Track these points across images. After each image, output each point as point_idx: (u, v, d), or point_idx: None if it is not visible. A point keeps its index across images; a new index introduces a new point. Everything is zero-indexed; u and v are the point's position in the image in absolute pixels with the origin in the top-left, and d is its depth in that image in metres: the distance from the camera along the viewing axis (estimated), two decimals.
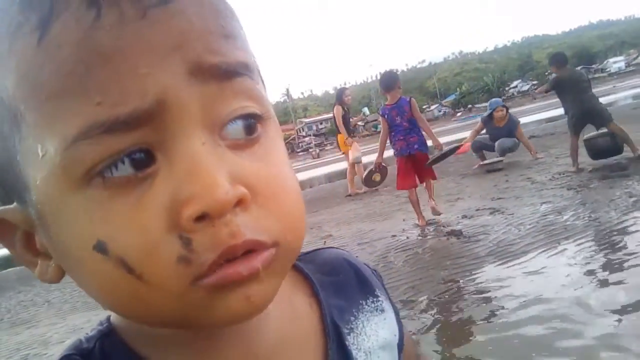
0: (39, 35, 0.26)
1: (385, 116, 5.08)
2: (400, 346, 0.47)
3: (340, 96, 8.20)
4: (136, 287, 0.28)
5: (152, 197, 0.27)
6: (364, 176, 6.33)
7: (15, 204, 0.32)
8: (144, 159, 0.27)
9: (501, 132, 7.88)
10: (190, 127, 0.28)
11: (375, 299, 0.46)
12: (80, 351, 0.35)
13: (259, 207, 0.29)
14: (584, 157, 6.01)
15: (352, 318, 0.43)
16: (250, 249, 0.28)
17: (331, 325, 0.41)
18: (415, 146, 4.92)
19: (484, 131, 8.25)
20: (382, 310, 0.46)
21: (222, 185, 0.27)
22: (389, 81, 5.16)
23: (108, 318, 0.37)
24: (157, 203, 0.27)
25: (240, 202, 0.27)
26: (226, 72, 0.29)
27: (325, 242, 5.18)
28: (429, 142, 5.11)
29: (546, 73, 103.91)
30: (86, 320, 4.40)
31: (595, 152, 6.08)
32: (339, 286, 0.44)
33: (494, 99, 8.98)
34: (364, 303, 0.45)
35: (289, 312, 0.40)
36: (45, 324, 4.64)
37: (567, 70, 6.57)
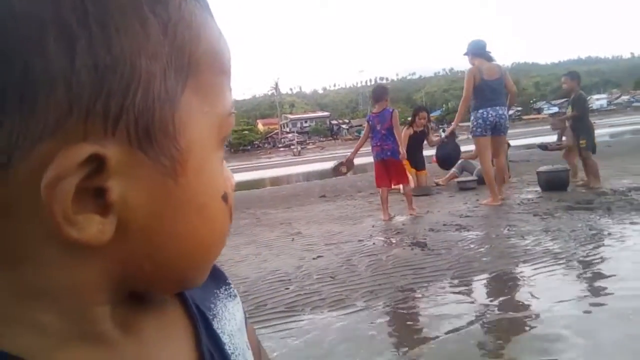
0: (219, 31, 0.34)
1: (369, 122, 5.88)
2: (245, 324, 0.50)
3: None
4: (227, 229, 0.37)
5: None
6: (333, 166, 6.86)
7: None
8: None
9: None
10: None
11: (227, 287, 0.49)
12: None
13: None
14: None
15: (212, 305, 0.45)
16: None
17: (197, 312, 0.42)
18: (388, 153, 5.70)
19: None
20: (235, 296, 0.49)
21: None
22: (380, 94, 5.97)
23: None
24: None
25: None
26: None
27: (293, 239, 5.23)
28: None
29: (531, 101, 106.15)
30: None
31: (552, 184, 6.65)
32: None
33: None
34: (218, 292, 0.47)
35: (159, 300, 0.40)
36: None
37: (580, 90, 6.98)
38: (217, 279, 0.49)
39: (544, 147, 8.86)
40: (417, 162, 8.17)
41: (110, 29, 0.27)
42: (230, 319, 0.46)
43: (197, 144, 0.32)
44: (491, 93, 6.09)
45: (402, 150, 5.78)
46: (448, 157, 7.56)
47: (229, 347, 0.43)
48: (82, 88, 0.26)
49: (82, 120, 0.26)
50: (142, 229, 0.30)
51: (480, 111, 6.14)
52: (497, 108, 6.13)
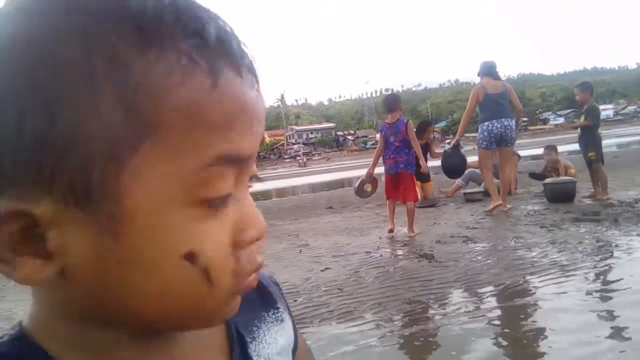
0: (212, 81, 0.32)
1: (383, 132, 5.55)
2: (294, 349, 0.54)
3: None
4: (205, 292, 0.34)
5: (227, 219, 0.35)
6: (356, 186, 6.45)
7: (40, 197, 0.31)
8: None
9: None
10: (248, 175, 0.38)
11: (275, 311, 0.52)
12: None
13: None
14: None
15: (255, 328, 0.49)
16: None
17: (236, 335, 0.46)
18: (402, 165, 5.38)
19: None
20: (282, 321, 0.52)
21: (262, 218, 0.38)
22: (392, 103, 5.62)
23: (19, 323, 0.38)
24: (228, 226, 0.35)
25: None
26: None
27: (301, 250, 5.26)
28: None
29: (537, 111, 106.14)
30: None
31: (558, 196, 6.68)
32: (243, 301, 0.46)
33: None
34: (265, 315, 0.51)
35: None
36: (11, 300, 4.62)
37: (594, 101, 7.08)
38: (267, 302, 0.52)
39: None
40: (422, 174, 8.19)
41: (56, 100, 0.29)
42: (270, 343, 0.49)
43: (148, 204, 0.31)
44: (495, 106, 6.42)
45: (423, 162, 5.80)
46: (455, 167, 7.59)
47: None
48: (22, 154, 0.29)
49: (12, 182, 0.30)
50: (90, 277, 0.32)
51: (486, 124, 6.44)
52: (503, 120, 6.39)
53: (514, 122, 6.54)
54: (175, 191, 0.32)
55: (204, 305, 0.35)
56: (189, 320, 0.37)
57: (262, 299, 0.51)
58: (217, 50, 0.33)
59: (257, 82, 0.36)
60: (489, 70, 6.63)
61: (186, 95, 0.31)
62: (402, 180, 5.42)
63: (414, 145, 5.40)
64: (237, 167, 0.35)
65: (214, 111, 0.32)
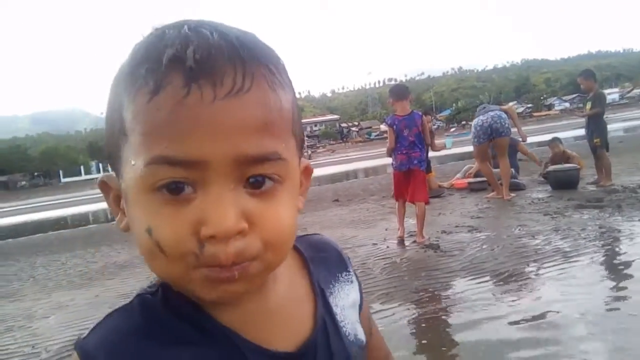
0: (149, 97, 0.41)
1: (394, 127, 4.99)
2: (361, 307, 0.66)
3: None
4: (162, 258, 0.43)
5: (186, 213, 0.42)
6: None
7: (114, 175, 0.50)
8: (188, 188, 0.42)
9: None
10: (223, 179, 0.42)
11: (347, 273, 0.64)
12: (147, 292, 0.52)
13: (255, 234, 0.44)
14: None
15: (331, 285, 0.61)
16: (234, 264, 0.43)
17: (318, 288, 0.58)
18: (415, 162, 4.93)
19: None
20: (352, 282, 0.64)
21: (230, 219, 0.42)
22: (401, 91, 5.22)
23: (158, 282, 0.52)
24: (188, 217, 0.42)
25: (240, 232, 0.42)
26: (260, 158, 0.43)
27: None
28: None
29: (542, 97, 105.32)
30: (70, 298, 4.52)
31: (562, 183, 6.79)
32: (324, 260, 0.63)
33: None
34: (339, 275, 0.63)
35: (289, 279, 0.57)
36: (31, 299, 4.75)
37: (599, 88, 7.26)
38: (342, 264, 0.65)
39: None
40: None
41: (114, 104, 0.46)
42: (343, 297, 0.61)
43: (127, 186, 0.45)
44: (479, 112, 7.16)
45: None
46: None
47: (340, 316, 0.59)
48: (108, 140, 0.48)
49: (110, 161, 0.49)
50: (133, 237, 0.47)
51: (475, 121, 7.04)
52: (489, 112, 6.83)
53: (503, 113, 6.82)
54: (138, 180, 0.43)
55: (171, 270, 0.44)
56: (179, 286, 0.46)
57: (337, 263, 0.64)
58: (171, 70, 0.40)
59: (233, 92, 0.41)
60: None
61: (134, 109, 0.42)
62: (413, 178, 4.94)
63: (430, 139, 5.22)
64: (182, 168, 0.41)
65: (150, 121, 0.41)
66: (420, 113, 5.12)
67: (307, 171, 0.58)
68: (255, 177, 0.44)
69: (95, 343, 0.47)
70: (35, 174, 79.03)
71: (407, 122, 4.93)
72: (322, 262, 0.62)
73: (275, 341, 0.52)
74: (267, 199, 0.45)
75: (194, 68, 0.40)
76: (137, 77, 0.42)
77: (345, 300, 0.61)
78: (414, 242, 4.84)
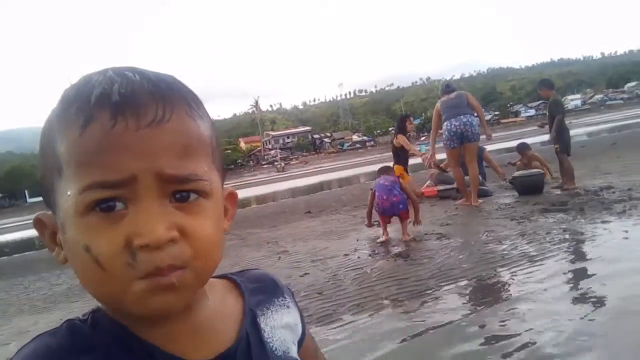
0: (80, 132, 0.46)
1: (372, 190, 5.45)
2: (301, 340, 0.69)
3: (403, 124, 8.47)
4: (99, 274, 0.46)
5: (120, 228, 0.46)
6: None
7: (50, 212, 0.52)
8: (120, 204, 0.47)
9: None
10: (151, 195, 0.47)
11: (283, 299, 0.68)
12: (77, 319, 0.54)
13: (185, 243, 0.48)
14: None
15: (265, 308, 0.65)
16: (171, 267, 0.47)
17: (249, 310, 0.62)
18: (400, 206, 5.20)
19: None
20: (288, 307, 0.68)
21: (159, 231, 0.46)
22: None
23: (97, 306, 0.55)
24: (122, 231, 0.46)
25: (171, 241, 0.47)
26: (180, 179, 0.48)
27: (280, 257, 5.32)
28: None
29: (508, 105, 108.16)
30: (33, 322, 4.37)
31: (527, 188, 6.92)
32: (261, 289, 0.67)
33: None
34: (275, 300, 0.67)
35: (221, 302, 0.61)
36: (62, 309, 4.58)
37: (556, 95, 7.49)
38: (277, 292, 0.69)
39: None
40: (407, 168, 8.37)
41: (48, 140, 0.50)
42: (276, 318, 0.65)
43: (64, 215, 0.48)
44: (451, 108, 7.00)
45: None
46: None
47: (268, 334, 0.62)
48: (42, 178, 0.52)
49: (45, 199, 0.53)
50: (70, 265, 0.50)
51: (446, 123, 6.99)
52: (461, 117, 6.86)
53: (474, 119, 6.86)
54: (73, 208, 0.46)
55: (108, 286, 0.46)
56: (110, 300, 0.49)
57: (273, 290, 0.69)
58: (99, 106, 0.46)
59: (155, 122, 0.46)
60: (445, 89, 7.39)
61: (67, 143, 0.46)
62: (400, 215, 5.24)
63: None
64: (112, 189, 0.45)
65: (82, 152, 0.45)
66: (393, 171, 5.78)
67: (232, 197, 0.62)
68: (180, 193, 0.49)
69: (24, 357, 0.49)
70: (0, 195, 76.61)
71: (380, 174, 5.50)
72: (259, 290, 0.67)
73: (195, 353, 0.54)
74: (193, 212, 0.49)
75: (119, 102, 0.45)
76: (68, 115, 0.47)
77: (277, 321, 0.65)
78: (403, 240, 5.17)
